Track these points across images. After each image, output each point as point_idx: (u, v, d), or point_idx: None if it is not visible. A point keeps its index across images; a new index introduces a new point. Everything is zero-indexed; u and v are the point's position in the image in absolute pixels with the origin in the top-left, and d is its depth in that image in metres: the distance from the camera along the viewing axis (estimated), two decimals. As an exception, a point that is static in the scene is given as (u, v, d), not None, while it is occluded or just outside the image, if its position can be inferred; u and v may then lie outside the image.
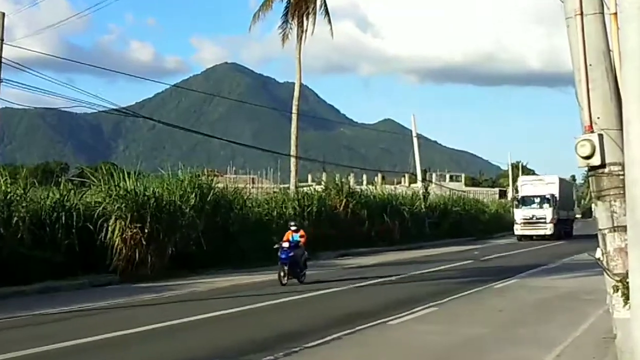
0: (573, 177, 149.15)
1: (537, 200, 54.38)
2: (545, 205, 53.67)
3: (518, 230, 55.20)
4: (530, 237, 54.45)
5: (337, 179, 52.42)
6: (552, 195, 54.87)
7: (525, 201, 56.13)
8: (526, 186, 59.08)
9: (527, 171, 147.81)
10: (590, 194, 8.33)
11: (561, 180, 61.16)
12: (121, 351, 13.95)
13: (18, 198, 27.08)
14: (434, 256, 40.10)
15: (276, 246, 24.69)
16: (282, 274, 23.54)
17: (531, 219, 53.69)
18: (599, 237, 8.81)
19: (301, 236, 24.87)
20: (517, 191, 62.44)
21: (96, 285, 25.06)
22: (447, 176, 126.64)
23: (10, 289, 22.76)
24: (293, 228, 25.56)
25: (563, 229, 59.37)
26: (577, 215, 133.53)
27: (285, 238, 24.58)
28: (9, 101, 25.56)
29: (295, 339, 14.27)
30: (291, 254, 23.86)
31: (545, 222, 53.04)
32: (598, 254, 9.00)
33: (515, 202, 59.01)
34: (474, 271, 30.35)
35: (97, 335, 15.19)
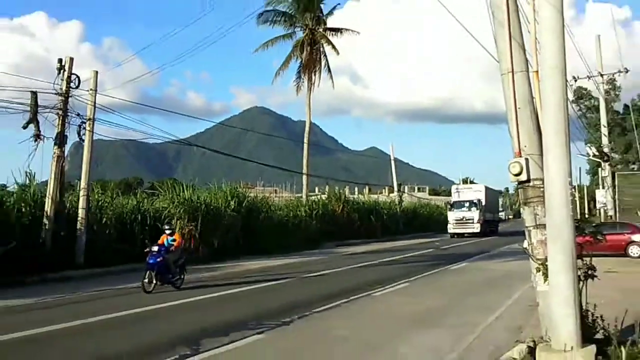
0: (507, 189, 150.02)
1: (467, 204, 52.38)
2: (473, 209, 51.77)
3: (451, 229, 52.64)
4: (461, 235, 51.49)
5: (336, 190, 52.77)
6: (479, 200, 53.14)
7: (457, 205, 53.86)
8: (458, 193, 57.18)
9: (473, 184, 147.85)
10: (519, 201, 8.24)
11: (487, 189, 59.12)
12: (197, 311, 14.06)
13: (107, 204, 27.31)
14: (406, 246, 39.96)
15: (146, 249, 18.53)
16: (146, 280, 17.26)
17: (462, 219, 51.75)
18: (526, 232, 8.80)
19: (173, 240, 19.11)
20: (451, 196, 59.50)
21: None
22: (416, 188, 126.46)
23: (100, 270, 22.83)
24: (167, 232, 19.60)
25: (489, 227, 56.85)
26: (510, 216, 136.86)
27: (159, 241, 18.80)
28: (100, 134, 25.50)
29: (308, 308, 14.25)
30: (159, 258, 17.87)
31: (473, 222, 51.22)
32: (525, 244, 8.99)
33: (449, 206, 56.55)
34: (435, 257, 30.25)
35: (170, 301, 15.25)
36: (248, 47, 53.28)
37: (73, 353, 10.00)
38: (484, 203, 53.88)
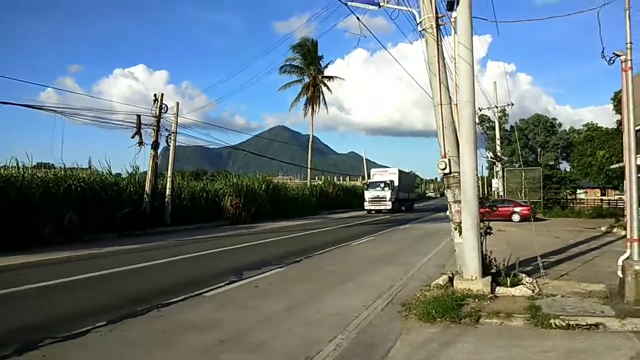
0: (436, 178, 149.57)
1: (381, 185, 41.61)
2: (386, 189, 41.18)
3: (367, 205, 41.97)
4: (376, 211, 41.43)
5: (328, 179, 52.87)
6: (392, 181, 42.54)
7: (372, 185, 42.78)
8: (375, 175, 45.33)
9: (415, 176, 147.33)
10: (444, 185, 8.14)
11: (401, 172, 47.38)
12: (241, 253, 13.99)
13: (184, 186, 27.18)
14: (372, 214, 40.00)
15: None
16: None
17: (376, 197, 41.37)
18: (448, 205, 8.81)
19: None
20: (369, 178, 47.41)
21: (219, 226, 25.03)
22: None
23: (180, 227, 22.84)
24: None
25: (403, 205, 46.38)
26: (438, 195, 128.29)
27: None
28: (180, 142, 25.43)
29: (311, 251, 14.26)
30: None
31: (385, 200, 41.01)
32: (447, 213, 9.00)
33: (365, 186, 45.17)
34: (390, 221, 30.21)
35: (230, 245, 15.25)
36: (274, 87, 53.51)
37: (167, 274, 10.07)
38: (396, 184, 43.53)
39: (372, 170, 47.30)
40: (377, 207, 40.73)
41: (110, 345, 5.54)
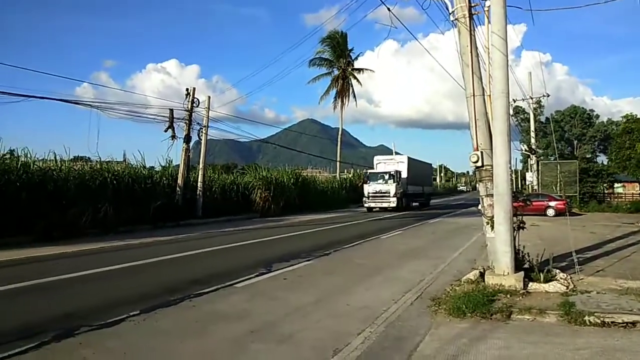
0: (467, 171, 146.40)
1: (385, 176, 33.83)
2: (390, 181, 33.54)
3: (367, 202, 34.16)
4: (380, 209, 33.62)
5: (357, 172, 52.66)
6: (398, 172, 34.73)
7: (373, 177, 34.66)
8: (379, 165, 37.33)
9: (446, 170, 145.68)
10: (476, 179, 8.07)
11: (411, 160, 38.89)
12: (271, 246, 14.16)
13: (215, 179, 27.63)
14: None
15: None
16: None
17: (377, 192, 33.60)
18: (480, 199, 8.69)
19: None
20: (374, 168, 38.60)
21: (249, 218, 25.30)
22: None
23: (211, 219, 23.19)
24: None
25: (415, 200, 38.94)
26: (469, 189, 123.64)
27: None
28: (211, 135, 25.80)
29: (340, 244, 14.28)
30: None
31: (389, 196, 33.33)
32: (479, 207, 8.87)
33: (365, 178, 36.33)
34: (418, 215, 29.97)
35: (259, 238, 15.42)
36: (303, 80, 53.75)
37: (199, 265, 10.27)
38: (405, 175, 35.65)
39: (376, 158, 38.67)
40: (378, 204, 33.05)
41: (143, 334, 5.69)
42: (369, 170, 36.68)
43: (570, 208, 27.20)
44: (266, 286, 8.42)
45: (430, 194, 46.39)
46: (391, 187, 32.98)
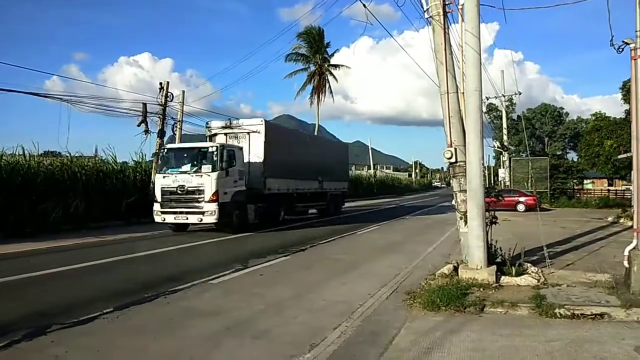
0: (442, 167, 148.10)
1: (198, 158, 15.07)
2: (206, 168, 14.59)
3: (159, 212, 15.12)
4: (180, 227, 15.71)
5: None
6: (231, 152, 15.53)
7: (171, 160, 15.83)
8: (217, 134, 17.77)
9: (421, 166, 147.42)
10: (450, 174, 8.17)
11: (277, 130, 19.56)
12: (248, 241, 14.06)
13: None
14: (377, 203, 40.07)
15: None
16: None
17: (176, 193, 14.74)
18: (454, 195, 8.82)
19: None
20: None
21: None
22: (385, 167, 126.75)
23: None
24: None
25: (295, 207, 20.51)
26: (443, 185, 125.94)
27: None
28: (186, 130, 25.50)
29: (316, 240, 14.30)
30: None
31: (199, 201, 14.48)
32: (453, 202, 8.99)
33: (158, 162, 18.28)
34: (395, 210, 30.25)
35: (231, 235, 15.29)
36: (279, 75, 53.28)
37: (173, 261, 10.17)
38: (259, 157, 17.02)
39: (213, 124, 18.71)
40: (182, 218, 15.21)
41: (117, 331, 5.59)
42: (170, 146, 18.74)
43: (540, 203, 27.87)
44: (242, 282, 8.37)
45: (342, 193, 26.44)
46: (206, 181, 14.81)
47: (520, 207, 26.77)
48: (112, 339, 5.34)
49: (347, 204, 34.47)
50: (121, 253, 11.37)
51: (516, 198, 27.23)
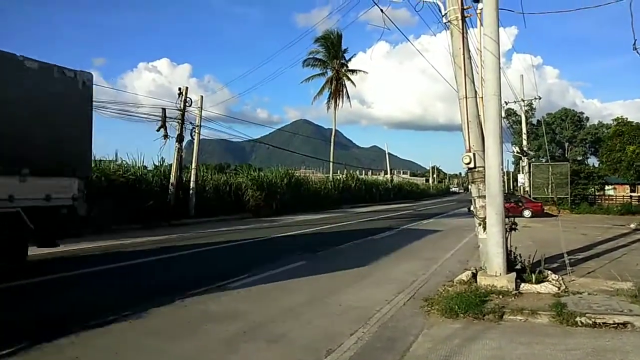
0: (460, 173, 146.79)
1: None
2: None
3: None
4: None
5: (350, 172, 52.80)
6: None
7: None
8: None
9: (439, 171, 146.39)
10: (468, 180, 8.08)
11: None
12: (265, 245, 14.06)
13: (207, 178, 27.46)
14: (394, 208, 39.81)
15: None
16: None
17: None
18: (473, 200, 8.74)
19: None
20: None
21: (242, 219, 25.20)
22: (402, 172, 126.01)
23: (204, 219, 23.06)
24: None
25: None
26: (461, 190, 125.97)
27: None
28: (204, 135, 25.73)
29: (333, 245, 14.28)
30: None
31: None
32: (471, 207, 8.91)
33: None
34: (413, 215, 30.06)
35: (251, 238, 15.34)
36: (295, 80, 53.63)
37: (191, 265, 10.24)
38: None
39: None
40: None
41: (135, 334, 5.65)
42: None
43: (543, 210, 27.78)
44: (259, 286, 8.39)
45: (67, 212, 9.77)
46: None
47: (526, 213, 26.67)
48: (131, 341, 5.39)
49: (361, 209, 34.40)
50: (139, 257, 11.50)
51: (522, 205, 27.25)
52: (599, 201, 36.63)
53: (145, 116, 22.85)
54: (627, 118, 38.38)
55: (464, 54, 8.49)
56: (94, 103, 10.79)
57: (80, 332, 5.58)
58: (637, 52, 7.68)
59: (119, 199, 19.11)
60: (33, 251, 11.92)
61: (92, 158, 14.47)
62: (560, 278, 8.10)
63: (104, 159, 21.76)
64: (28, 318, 6.21)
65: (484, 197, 8.04)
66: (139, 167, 23.13)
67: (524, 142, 39.29)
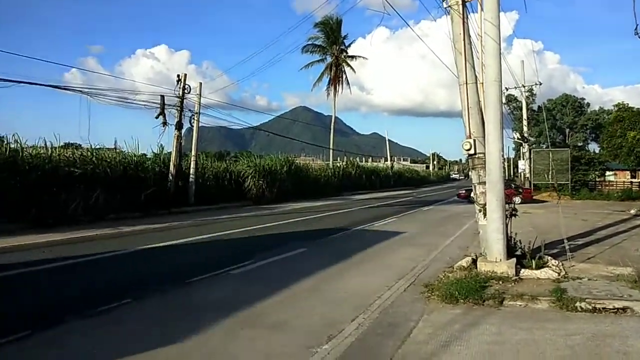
0: (460, 159, 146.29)
1: None
2: None
3: None
4: None
5: (350, 159, 52.69)
6: None
7: None
8: None
9: (439, 157, 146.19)
10: (469, 166, 8.10)
11: None
12: (266, 232, 14.07)
13: (207, 166, 27.41)
14: (394, 195, 39.84)
15: None
16: None
17: None
18: (473, 186, 8.73)
19: None
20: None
21: (242, 206, 25.21)
22: (402, 159, 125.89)
23: (204, 207, 23.06)
24: None
25: None
26: (462, 177, 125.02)
27: None
28: (203, 122, 25.63)
29: (332, 231, 14.30)
30: None
31: None
32: (472, 194, 8.89)
33: None
34: (413, 202, 30.10)
35: (252, 225, 15.34)
36: (295, 67, 53.17)
37: (192, 252, 10.27)
38: None
39: None
40: None
41: (135, 321, 5.68)
42: None
43: (532, 196, 28.51)
44: (261, 273, 8.42)
45: None
46: None
47: (516, 199, 26.93)
48: (131, 329, 5.42)
49: (361, 196, 34.37)
50: (139, 244, 11.52)
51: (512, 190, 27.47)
52: (600, 187, 36.62)
53: (144, 103, 22.70)
54: (627, 104, 38.23)
55: (464, 40, 8.42)
56: (92, 90, 10.79)
57: (79, 321, 5.63)
58: (639, 37, 7.60)
59: (118, 187, 19.11)
60: (28, 240, 11.97)
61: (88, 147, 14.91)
62: (560, 264, 8.13)
63: (100, 146, 21.67)
64: (23, 306, 6.24)
65: (485, 183, 8.03)
66: (138, 155, 23.06)
67: (525, 128, 39.15)
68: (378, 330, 5.44)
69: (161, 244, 11.67)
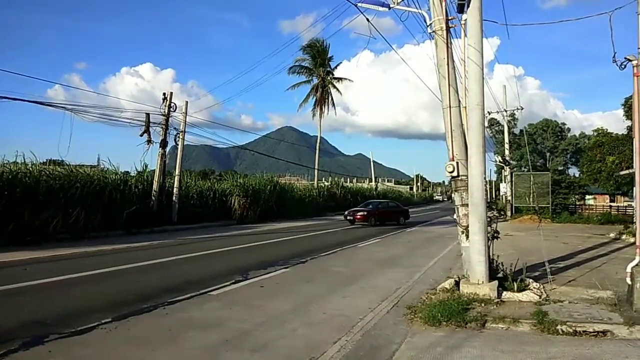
0: (443, 181, 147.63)
1: None
2: None
3: None
4: None
5: (335, 180, 52.76)
6: None
7: None
8: None
9: (423, 179, 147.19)
10: (452, 188, 8.18)
11: None
12: (249, 252, 13.95)
13: (191, 184, 27.28)
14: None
15: None
16: None
17: None
18: (456, 209, 8.79)
19: None
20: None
21: (226, 225, 25.03)
22: (386, 180, 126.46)
23: (187, 226, 22.84)
24: None
25: None
26: (445, 198, 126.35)
27: None
28: (188, 141, 25.51)
29: (317, 251, 14.24)
30: None
31: None
32: (455, 216, 8.95)
33: None
34: (396, 223, 30.16)
35: (236, 245, 15.20)
36: (280, 87, 53.35)
37: (173, 272, 10.12)
38: None
39: None
40: None
41: (115, 342, 5.55)
42: None
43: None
44: (242, 294, 8.32)
45: None
46: None
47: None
48: (110, 350, 5.29)
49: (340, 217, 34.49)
50: (120, 263, 11.33)
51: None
52: (580, 211, 37.16)
53: (129, 121, 22.58)
54: (607, 129, 39.09)
55: (448, 64, 8.59)
56: (76, 107, 10.72)
57: (59, 340, 5.47)
58: (617, 64, 7.83)
59: (99, 205, 18.85)
60: (7, 257, 11.68)
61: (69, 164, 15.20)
62: (542, 286, 8.18)
63: (81, 164, 21.45)
64: (4, 325, 6.05)
65: (467, 205, 8.11)
66: (121, 172, 22.84)
67: (507, 152, 39.77)
68: (360, 352, 5.40)
69: (142, 263, 11.48)
